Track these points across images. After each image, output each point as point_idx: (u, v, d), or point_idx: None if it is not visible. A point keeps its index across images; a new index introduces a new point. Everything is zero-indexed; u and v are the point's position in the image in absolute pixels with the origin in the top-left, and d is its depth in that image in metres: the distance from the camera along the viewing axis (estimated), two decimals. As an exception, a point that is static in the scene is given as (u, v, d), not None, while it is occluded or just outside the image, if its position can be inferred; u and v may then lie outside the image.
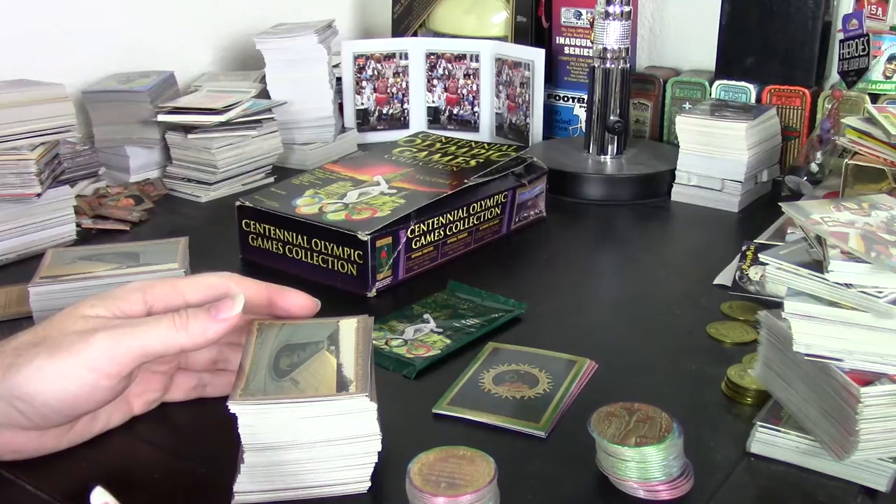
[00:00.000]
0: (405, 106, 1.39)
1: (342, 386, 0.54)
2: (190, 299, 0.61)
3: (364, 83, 1.37)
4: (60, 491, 0.58)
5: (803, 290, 0.57)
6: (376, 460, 0.56)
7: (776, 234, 0.95)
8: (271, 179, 1.19)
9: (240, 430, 0.54)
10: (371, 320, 0.63)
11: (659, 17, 1.36)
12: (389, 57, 1.37)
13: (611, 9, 1.13)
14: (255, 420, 0.53)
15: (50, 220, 0.97)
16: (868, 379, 0.53)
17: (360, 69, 1.36)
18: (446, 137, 1.12)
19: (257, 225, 0.90)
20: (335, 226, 0.84)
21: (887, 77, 1.12)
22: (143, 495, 0.57)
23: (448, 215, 0.90)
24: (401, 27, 1.46)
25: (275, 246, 0.89)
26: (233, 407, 0.53)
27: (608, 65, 1.15)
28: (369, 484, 0.56)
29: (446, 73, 1.37)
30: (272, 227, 0.89)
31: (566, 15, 1.34)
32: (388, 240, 0.84)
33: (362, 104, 1.38)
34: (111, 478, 0.60)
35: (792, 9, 1.15)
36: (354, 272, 0.84)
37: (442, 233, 0.90)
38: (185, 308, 0.58)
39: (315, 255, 0.86)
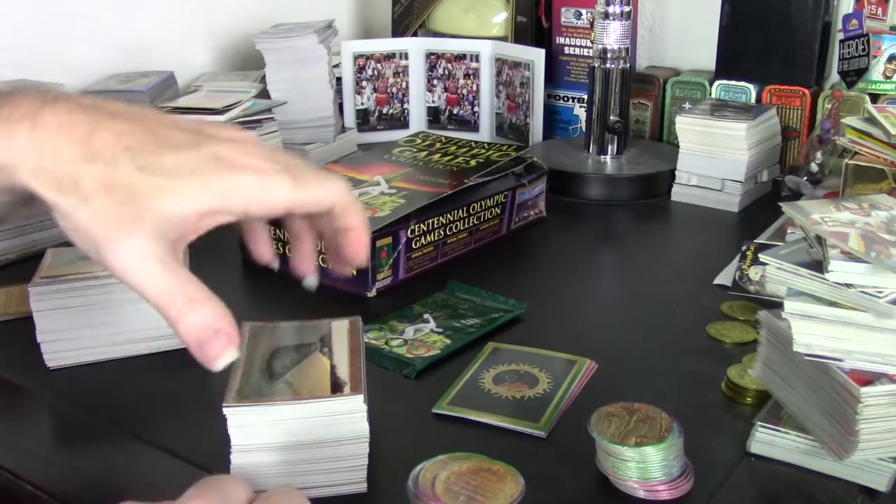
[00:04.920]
0: (405, 106, 1.39)
1: (336, 387, 0.54)
2: None
3: (364, 83, 1.37)
4: (60, 491, 0.58)
5: (803, 290, 0.57)
6: (366, 462, 0.56)
7: (776, 234, 0.95)
8: (271, 179, 1.19)
9: (230, 432, 0.54)
10: (359, 320, 0.63)
11: (659, 17, 1.36)
12: (389, 57, 1.37)
13: (611, 9, 1.13)
14: (251, 422, 0.53)
15: (50, 219, 0.96)
16: (868, 379, 0.53)
17: (360, 69, 1.36)
18: (446, 137, 1.12)
19: (257, 225, 0.90)
20: (335, 226, 0.84)
21: (887, 77, 1.12)
22: (144, 496, 0.57)
23: (448, 215, 0.90)
24: (401, 27, 1.46)
25: (275, 246, 0.89)
26: (228, 410, 0.53)
27: (608, 65, 1.15)
28: (366, 484, 0.56)
29: (446, 73, 1.37)
30: (272, 227, 0.89)
31: (566, 15, 1.33)
32: (388, 240, 0.84)
33: (362, 104, 1.38)
34: (112, 478, 0.60)
35: (792, 9, 1.15)
36: (354, 272, 0.84)
37: (442, 233, 0.90)
38: None
39: (315, 254, 0.86)
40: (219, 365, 0.47)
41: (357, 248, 0.56)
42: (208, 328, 0.46)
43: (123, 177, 0.46)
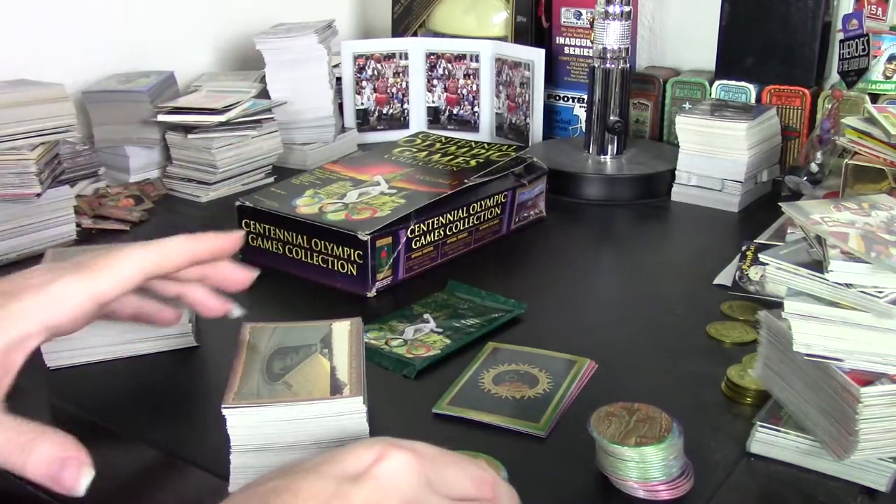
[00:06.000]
0: (405, 106, 1.39)
1: (336, 389, 0.54)
2: None
3: (364, 83, 1.37)
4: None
5: (803, 290, 0.57)
6: None
7: (776, 234, 0.95)
8: (271, 179, 1.19)
9: (230, 433, 0.54)
10: (360, 321, 0.63)
11: (659, 17, 1.36)
12: (389, 57, 1.37)
13: (611, 9, 1.13)
14: (250, 422, 0.53)
15: (50, 220, 0.97)
16: (868, 379, 0.53)
17: (360, 69, 1.36)
18: (446, 137, 1.12)
19: (257, 225, 0.90)
20: (335, 226, 0.84)
21: (887, 77, 1.12)
22: (144, 496, 0.57)
23: (448, 215, 0.90)
24: (401, 27, 1.46)
25: (275, 246, 0.89)
26: (226, 411, 0.53)
27: (608, 65, 1.15)
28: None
29: (446, 73, 1.37)
30: (272, 227, 0.89)
31: (566, 15, 1.33)
32: (388, 240, 0.84)
33: (362, 104, 1.38)
34: (111, 478, 0.59)
35: (792, 9, 1.15)
36: (354, 272, 0.84)
37: (442, 233, 0.90)
38: None
39: (315, 255, 0.86)
40: (80, 489, 0.46)
41: (231, 276, 0.60)
42: (55, 462, 0.46)
43: None
